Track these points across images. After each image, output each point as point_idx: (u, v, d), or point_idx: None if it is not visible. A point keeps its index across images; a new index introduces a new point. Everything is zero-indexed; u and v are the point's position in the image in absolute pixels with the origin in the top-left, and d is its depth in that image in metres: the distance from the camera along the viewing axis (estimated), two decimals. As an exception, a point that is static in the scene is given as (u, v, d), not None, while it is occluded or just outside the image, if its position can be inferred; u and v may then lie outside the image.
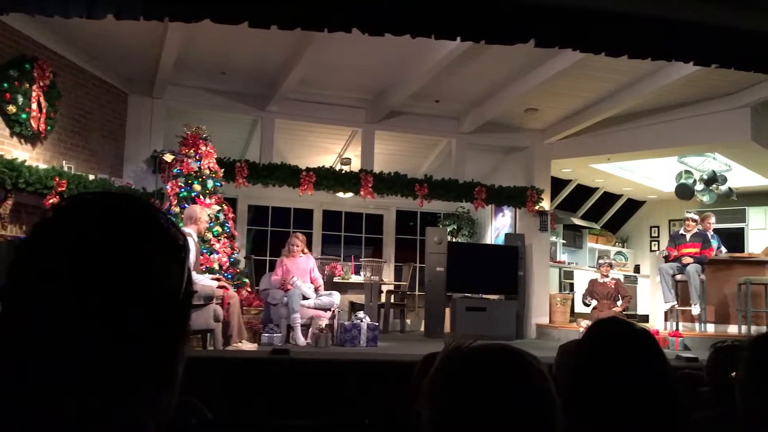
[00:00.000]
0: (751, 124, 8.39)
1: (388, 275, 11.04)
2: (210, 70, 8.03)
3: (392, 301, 10.28)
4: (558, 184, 11.91)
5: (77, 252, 0.61)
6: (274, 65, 7.80)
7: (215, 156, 7.29)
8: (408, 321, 10.25)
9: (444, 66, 7.44)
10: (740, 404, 1.66)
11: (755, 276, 8.69)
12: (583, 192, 12.55)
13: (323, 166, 8.88)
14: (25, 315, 0.61)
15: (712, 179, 10.24)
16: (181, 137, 7.21)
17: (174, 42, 6.80)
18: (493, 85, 8.45)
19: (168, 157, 7.08)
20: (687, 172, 10.49)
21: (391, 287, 10.45)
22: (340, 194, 9.38)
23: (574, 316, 10.01)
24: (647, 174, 11.68)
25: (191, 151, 7.11)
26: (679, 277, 8.98)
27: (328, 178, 8.79)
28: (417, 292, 10.66)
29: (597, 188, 12.53)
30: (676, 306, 9.00)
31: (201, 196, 6.96)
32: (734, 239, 11.85)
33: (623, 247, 13.86)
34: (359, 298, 9.49)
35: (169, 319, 0.65)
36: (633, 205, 13.74)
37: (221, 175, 7.34)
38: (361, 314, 7.16)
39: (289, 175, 8.60)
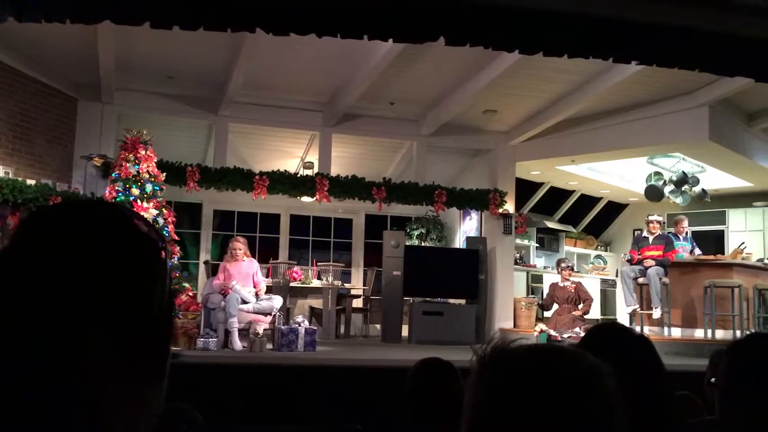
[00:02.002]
0: (709, 123, 8.22)
1: (357, 280, 10.96)
2: (156, 74, 8.02)
3: (360, 306, 10.21)
4: (531, 187, 11.77)
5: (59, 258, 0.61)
6: (218, 68, 7.78)
7: (155, 160, 7.25)
8: (378, 326, 10.15)
9: (385, 67, 7.37)
10: (720, 410, 1.64)
11: (721, 279, 8.49)
12: (559, 195, 12.39)
13: (278, 170, 8.82)
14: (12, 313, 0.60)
15: (682, 181, 10.03)
16: (122, 141, 7.20)
17: (108, 45, 6.79)
18: (444, 86, 8.36)
19: (97, 161, 7.06)
20: (657, 173, 10.30)
21: (360, 292, 10.39)
22: (306, 198, 9.32)
23: (543, 320, 9.85)
24: (622, 176, 11.49)
25: (130, 155, 7.09)
26: (641, 280, 8.81)
27: (282, 182, 8.73)
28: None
29: (573, 191, 12.35)
30: (639, 309, 8.83)
31: (139, 201, 6.93)
32: (714, 242, 11.63)
33: (605, 250, 13.64)
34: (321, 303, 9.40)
35: (157, 317, 0.65)
36: (615, 208, 13.54)
37: (162, 179, 7.30)
38: (299, 318, 7.08)
39: (242, 179, 8.55)
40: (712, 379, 1.73)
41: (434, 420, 2.61)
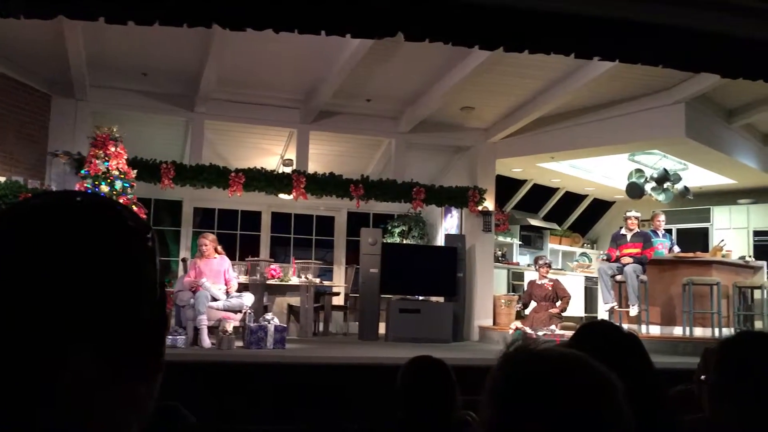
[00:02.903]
0: (686, 120, 8.18)
1: (339, 278, 10.94)
2: (130, 71, 7.99)
3: (341, 303, 10.19)
4: (514, 185, 11.74)
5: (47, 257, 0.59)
6: (191, 65, 7.75)
7: (125, 157, 7.22)
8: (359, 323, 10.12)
9: (357, 64, 7.33)
10: (709, 407, 1.67)
11: (700, 276, 8.45)
12: (543, 192, 12.35)
13: (254, 167, 8.79)
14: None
15: (664, 178, 9.99)
16: (92, 138, 7.17)
17: (76, 41, 6.77)
18: (419, 83, 8.33)
19: (63, 158, 7.04)
20: (638, 170, 10.25)
21: (341, 289, 10.37)
22: (284, 196, 9.28)
23: (524, 318, 9.81)
24: (606, 174, 11.45)
25: (100, 152, 7.07)
26: (619, 277, 8.77)
27: (259, 180, 8.70)
28: (362, 295, 10.54)
29: (557, 189, 12.32)
30: (616, 307, 8.79)
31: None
32: (699, 239, 11.60)
33: (592, 248, 13.60)
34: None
35: (149, 314, 0.64)
36: (601, 206, 13.49)
37: (133, 176, 7.27)
38: (269, 316, 7.05)
39: (218, 177, 8.52)
40: (702, 377, 1.75)
41: (426, 418, 2.60)
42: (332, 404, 5.81)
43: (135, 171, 7.36)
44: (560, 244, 12.78)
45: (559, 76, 7.93)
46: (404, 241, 10.58)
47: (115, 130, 7.19)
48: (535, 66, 7.53)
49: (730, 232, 11.64)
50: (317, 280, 9.63)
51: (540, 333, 8.00)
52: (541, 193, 12.27)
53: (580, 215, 13.36)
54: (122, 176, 7.11)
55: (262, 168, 8.82)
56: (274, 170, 9.00)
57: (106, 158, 7.05)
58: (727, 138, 9.28)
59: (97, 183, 6.95)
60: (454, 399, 2.60)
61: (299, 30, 4.80)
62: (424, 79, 8.19)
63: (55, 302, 0.57)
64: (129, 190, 7.18)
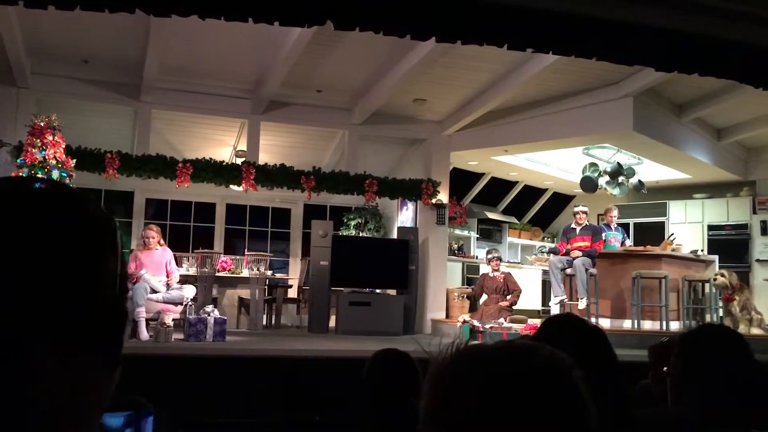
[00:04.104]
0: (633, 113, 8.20)
1: (295, 270, 10.86)
2: (71, 58, 7.83)
3: (295, 296, 10.13)
4: (472, 178, 11.73)
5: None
6: (132, 53, 7.60)
7: (63, 146, 7.07)
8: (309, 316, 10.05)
9: (301, 53, 7.24)
10: (671, 398, 1.72)
11: (650, 270, 8.49)
12: (502, 186, 12.36)
13: (203, 158, 8.67)
14: None
15: (617, 172, 10.02)
16: (30, 127, 7.01)
17: (10, 26, 6.60)
18: (367, 74, 8.27)
19: (2, 147, 6.88)
20: (593, 165, 10.28)
21: (296, 282, 10.30)
22: (235, 187, 9.18)
23: (474, 311, 9.82)
24: (563, 167, 11.47)
25: (37, 140, 6.91)
26: (569, 271, 8.80)
27: (207, 170, 8.58)
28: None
29: (516, 182, 12.33)
30: (566, 300, 8.82)
31: (44, 187, 6.76)
32: (656, 233, 11.68)
33: (552, 242, 13.64)
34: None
35: (109, 304, 0.61)
36: (562, 200, 13.54)
37: (71, 165, 7.12)
38: (209, 308, 6.96)
39: (164, 167, 8.39)
40: (665, 368, 1.81)
41: (393, 409, 2.64)
42: (269, 397, 5.77)
43: (74, 160, 7.21)
44: (520, 237, 12.81)
45: (506, 68, 7.91)
46: (361, 234, 10.52)
47: (53, 118, 7.03)
48: (483, 58, 7.50)
49: (686, 226, 11.74)
50: (269, 273, 9.55)
51: (487, 326, 8.00)
52: (500, 186, 12.28)
53: (540, 209, 13.40)
54: (60, 166, 6.95)
55: (211, 159, 8.70)
56: (224, 161, 8.88)
57: (44, 147, 6.90)
58: (678, 132, 9.33)
59: (33, 172, 6.79)
60: (420, 390, 2.60)
61: (225, 17, 4.73)
62: (373, 71, 8.13)
63: (15, 293, 0.55)
64: (68, 180, 7.03)
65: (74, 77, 8.19)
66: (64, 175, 7.01)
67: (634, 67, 7.53)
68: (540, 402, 0.74)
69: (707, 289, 9.14)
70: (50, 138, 6.95)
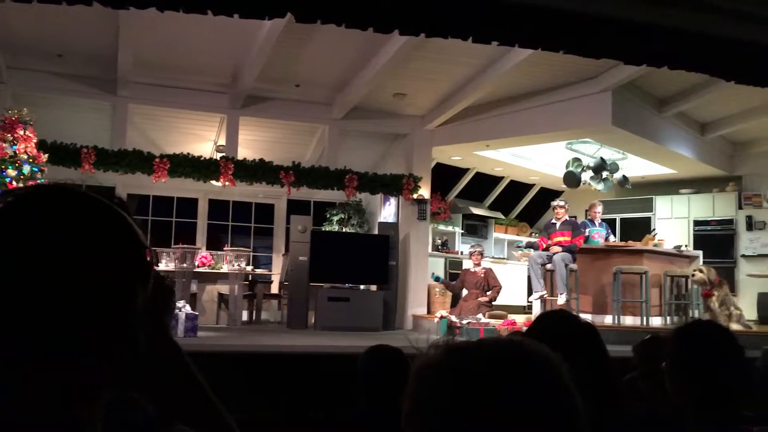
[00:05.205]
0: (612, 108, 8.14)
1: (278, 266, 10.82)
2: (46, 52, 7.78)
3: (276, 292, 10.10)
4: (456, 173, 11.68)
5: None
6: (105, 47, 7.55)
7: (35, 140, 7.03)
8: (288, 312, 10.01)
9: (274, 46, 7.19)
10: (671, 393, 1.74)
11: (631, 265, 8.44)
12: (488, 181, 12.30)
13: (180, 153, 8.62)
14: None
15: (600, 167, 9.97)
16: (1, 121, 6.96)
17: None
18: (345, 68, 8.22)
19: (-23, 142, 6.83)
20: (576, 160, 10.23)
21: (277, 277, 10.27)
22: (214, 182, 9.13)
23: (454, 306, 9.77)
24: (548, 163, 11.41)
25: (8, 135, 6.86)
26: (549, 266, 8.75)
27: (184, 166, 8.53)
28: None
29: (502, 177, 12.28)
30: (546, 296, 8.77)
31: (15, 182, 6.72)
32: (642, 228, 11.63)
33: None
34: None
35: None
36: (549, 195, 13.44)
37: (43, 160, 7.08)
38: (180, 303, 6.92)
39: (141, 162, 8.34)
40: (663, 363, 1.81)
41: (387, 405, 2.59)
42: (240, 393, 5.72)
43: (46, 155, 7.17)
44: (506, 233, 12.75)
45: (484, 62, 7.85)
46: (344, 230, 10.47)
47: (24, 112, 6.98)
48: (460, 52, 7.43)
49: (672, 221, 11.70)
50: (249, 268, 9.51)
51: (464, 321, 7.96)
52: (485, 182, 12.22)
53: (528, 204, 13.34)
54: (31, 160, 6.91)
55: (189, 154, 8.65)
56: (202, 156, 8.83)
57: (14, 142, 6.86)
58: (659, 127, 9.27)
59: (3, 167, 6.75)
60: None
61: (184, 9, 4.67)
62: (349, 65, 8.07)
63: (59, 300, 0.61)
64: (39, 174, 6.99)
65: (50, 71, 8.13)
66: (36, 170, 6.97)
67: (612, 61, 7.49)
68: (528, 397, 0.73)
69: (690, 285, 9.08)
70: (21, 132, 6.91)
